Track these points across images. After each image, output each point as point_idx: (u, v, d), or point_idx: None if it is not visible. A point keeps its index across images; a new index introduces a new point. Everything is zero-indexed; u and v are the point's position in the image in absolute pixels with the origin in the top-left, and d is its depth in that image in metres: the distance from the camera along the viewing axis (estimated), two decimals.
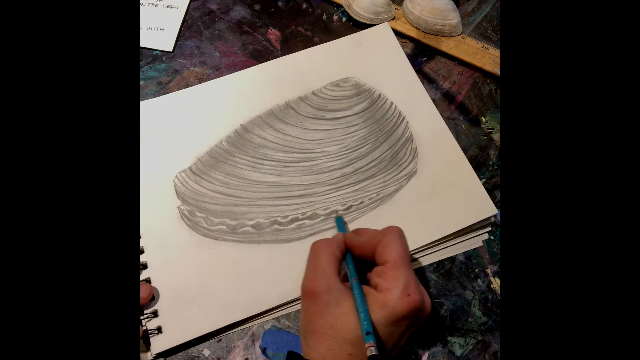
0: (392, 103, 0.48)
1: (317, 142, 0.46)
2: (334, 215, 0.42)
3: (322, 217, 0.42)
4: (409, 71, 0.51)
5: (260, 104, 0.48)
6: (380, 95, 0.49)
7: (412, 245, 0.40)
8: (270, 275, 0.39)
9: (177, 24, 0.54)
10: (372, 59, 0.51)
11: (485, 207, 0.42)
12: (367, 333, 0.28)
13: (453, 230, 0.41)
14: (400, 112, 0.48)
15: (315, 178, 0.44)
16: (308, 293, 0.31)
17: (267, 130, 0.46)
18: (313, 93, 0.49)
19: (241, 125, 0.46)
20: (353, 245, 0.35)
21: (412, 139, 0.46)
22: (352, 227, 0.42)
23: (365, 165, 0.45)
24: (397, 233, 0.33)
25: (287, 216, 0.42)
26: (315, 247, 0.34)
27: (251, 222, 0.41)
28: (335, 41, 0.52)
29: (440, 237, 0.41)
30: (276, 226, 0.41)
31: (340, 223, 0.40)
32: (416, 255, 0.42)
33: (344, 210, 0.42)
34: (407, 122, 0.47)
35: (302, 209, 0.42)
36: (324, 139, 0.46)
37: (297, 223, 0.42)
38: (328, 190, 0.43)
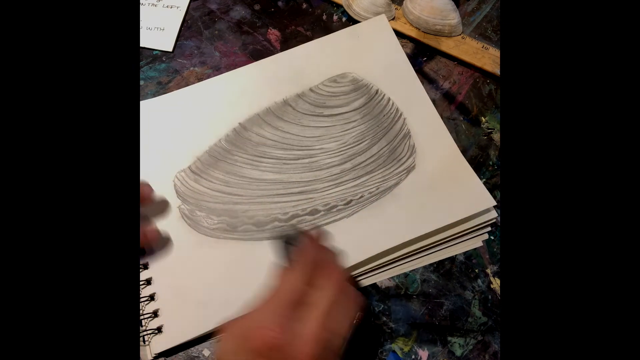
0: (389, 99, 0.48)
1: (315, 139, 0.46)
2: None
3: (322, 213, 0.42)
4: (405, 65, 0.50)
5: (258, 101, 0.48)
6: (377, 90, 0.49)
7: (414, 234, 0.40)
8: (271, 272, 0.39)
9: (177, 24, 0.54)
10: (369, 53, 0.51)
11: (483, 200, 0.42)
12: None
13: (453, 221, 0.41)
14: (397, 108, 0.48)
15: (315, 175, 0.44)
16: (264, 347, 0.24)
17: (266, 128, 0.46)
18: (310, 90, 0.49)
19: (240, 123, 0.46)
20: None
21: (410, 136, 0.46)
22: (351, 221, 0.41)
23: (364, 161, 0.45)
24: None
25: (287, 213, 0.42)
26: (275, 276, 0.28)
27: (251, 220, 0.41)
28: (332, 35, 0.52)
29: (440, 226, 0.40)
30: (276, 223, 0.41)
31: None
32: (416, 255, 0.42)
33: (344, 205, 0.42)
34: (405, 119, 0.47)
35: (302, 206, 0.42)
36: (323, 136, 0.46)
37: (297, 219, 0.42)
38: (328, 186, 0.43)
